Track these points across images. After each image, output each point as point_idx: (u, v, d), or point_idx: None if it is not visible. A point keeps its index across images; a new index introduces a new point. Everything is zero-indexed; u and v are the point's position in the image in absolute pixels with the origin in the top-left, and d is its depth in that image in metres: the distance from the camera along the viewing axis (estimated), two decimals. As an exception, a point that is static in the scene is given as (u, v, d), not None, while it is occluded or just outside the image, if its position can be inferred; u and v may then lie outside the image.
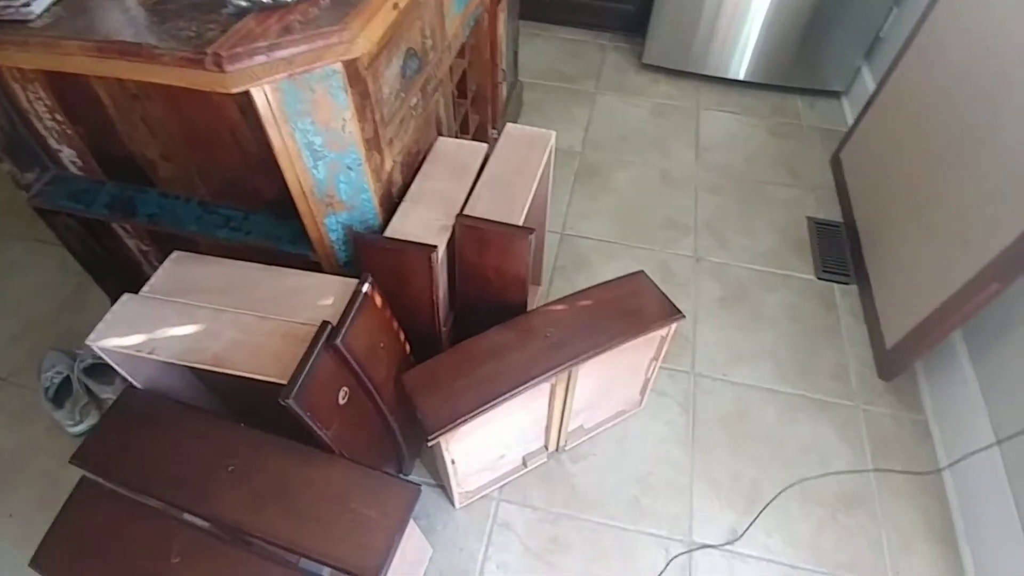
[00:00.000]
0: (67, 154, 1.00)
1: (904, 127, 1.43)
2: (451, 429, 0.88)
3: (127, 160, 0.98)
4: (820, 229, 1.65)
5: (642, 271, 1.08)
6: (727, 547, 1.13)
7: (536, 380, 0.93)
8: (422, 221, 0.97)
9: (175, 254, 0.98)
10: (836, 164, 1.77)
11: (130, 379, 0.93)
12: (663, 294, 1.05)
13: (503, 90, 1.51)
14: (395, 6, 0.77)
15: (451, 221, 0.97)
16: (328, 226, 0.92)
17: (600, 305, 1.02)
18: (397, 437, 1.05)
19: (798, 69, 1.97)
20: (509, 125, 1.13)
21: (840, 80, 1.99)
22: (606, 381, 1.13)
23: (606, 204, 1.71)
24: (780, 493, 1.19)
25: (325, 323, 0.81)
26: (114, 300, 0.90)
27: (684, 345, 1.41)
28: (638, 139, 1.89)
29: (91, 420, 1.23)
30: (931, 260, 1.22)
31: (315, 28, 0.68)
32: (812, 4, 1.80)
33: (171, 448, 0.88)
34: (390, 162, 0.92)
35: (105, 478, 0.86)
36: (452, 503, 1.15)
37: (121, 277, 1.20)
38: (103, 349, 0.86)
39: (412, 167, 1.04)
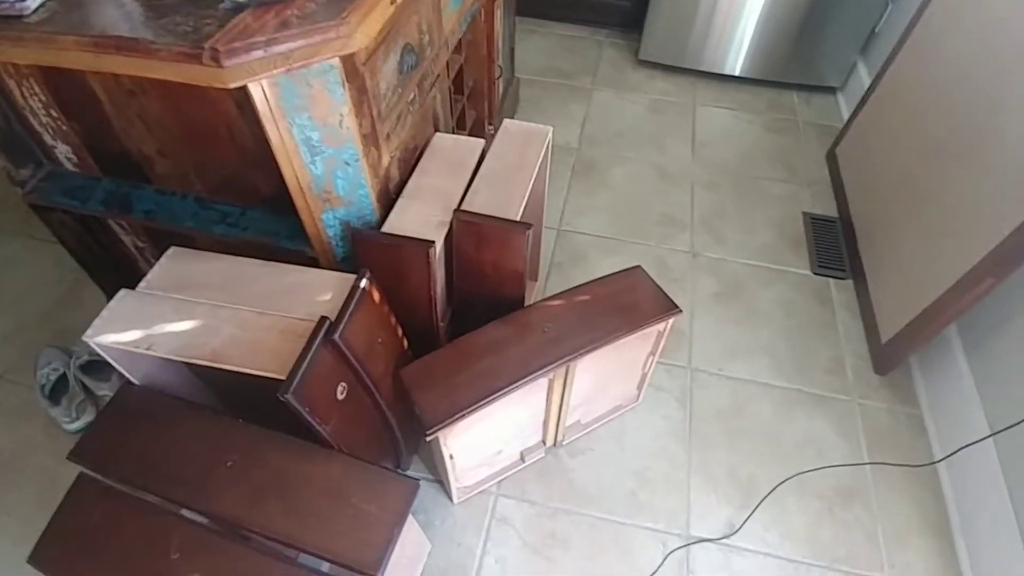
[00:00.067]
0: (62, 150, 1.00)
1: (900, 123, 1.44)
2: (449, 424, 0.89)
3: (123, 156, 0.98)
4: (816, 224, 1.65)
5: (639, 266, 1.08)
6: (724, 541, 1.13)
7: (534, 375, 0.93)
8: (420, 217, 0.97)
9: (172, 250, 0.98)
10: (832, 160, 1.78)
11: (127, 375, 0.93)
12: (660, 289, 1.05)
13: (500, 86, 1.51)
14: (392, 1, 0.77)
15: (449, 217, 0.97)
16: (326, 222, 0.91)
17: (597, 300, 1.03)
18: (395, 432, 1.05)
19: (794, 65, 1.98)
20: (506, 120, 1.13)
21: (836, 76, 2.00)
22: (603, 376, 1.13)
23: (603, 200, 1.71)
24: (777, 487, 1.20)
25: (323, 318, 0.81)
26: (110, 297, 0.90)
27: (681, 340, 1.41)
28: (634, 135, 1.90)
29: (88, 417, 1.22)
30: (926, 255, 1.23)
31: (312, 23, 0.68)
32: (807, 0, 1.81)
33: (169, 444, 0.88)
34: (387, 158, 0.92)
35: (103, 475, 0.86)
36: (450, 498, 1.15)
37: (117, 274, 1.19)
38: (100, 345, 0.85)
39: (409, 163, 1.04)
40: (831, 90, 2.06)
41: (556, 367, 0.95)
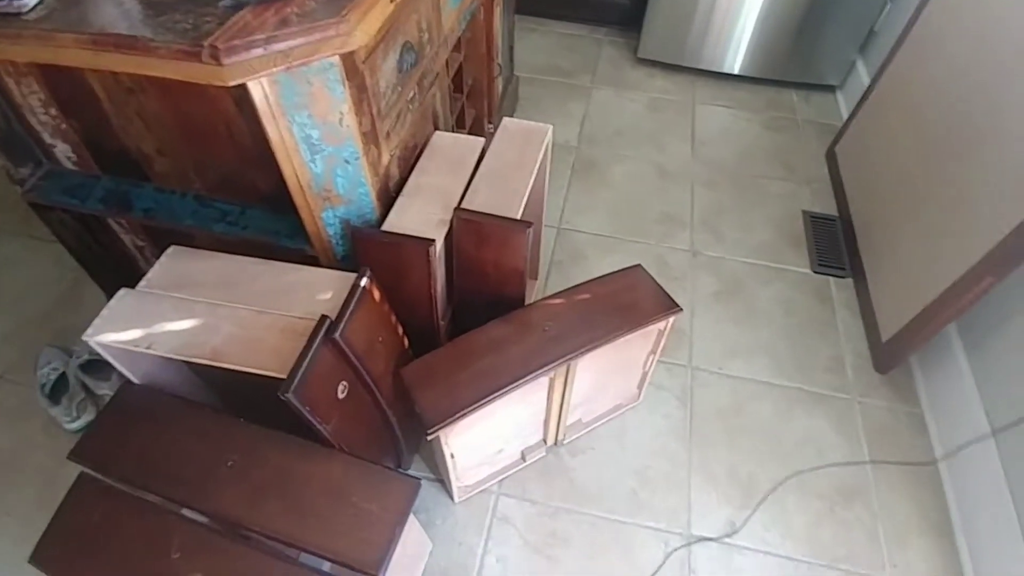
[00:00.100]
0: (61, 149, 0.99)
1: (899, 121, 1.44)
2: (450, 423, 0.89)
3: (122, 155, 0.97)
4: (815, 223, 1.65)
5: (639, 265, 1.08)
6: (725, 540, 1.13)
7: (535, 374, 0.93)
8: (420, 215, 0.96)
9: (172, 248, 0.98)
10: (831, 158, 1.78)
11: (127, 375, 0.92)
12: (660, 288, 1.05)
13: (499, 85, 1.51)
14: (392, -1, 0.77)
15: (449, 215, 0.97)
16: (326, 220, 0.91)
17: (598, 299, 1.02)
18: (396, 431, 1.05)
19: (793, 63, 1.97)
20: (506, 119, 1.13)
21: (835, 74, 2.00)
22: (604, 375, 1.13)
23: (602, 199, 1.71)
24: (777, 486, 1.19)
25: (324, 317, 0.81)
26: (110, 296, 0.90)
27: (681, 339, 1.41)
28: (634, 134, 1.89)
29: (88, 416, 1.22)
30: (926, 254, 1.23)
31: (312, 21, 0.68)
32: (807, -2, 1.81)
33: (170, 444, 0.87)
34: (387, 156, 0.92)
35: (104, 474, 0.86)
36: (451, 497, 1.15)
37: (117, 273, 1.19)
38: (100, 344, 0.85)
39: (409, 161, 1.04)
40: (830, 88, 2.06)
41: (557, 366, 0.95)
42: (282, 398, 0.74)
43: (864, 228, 1.53)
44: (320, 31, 0.68)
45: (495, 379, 0.92)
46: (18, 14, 0.68)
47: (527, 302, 1.05)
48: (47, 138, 0.98)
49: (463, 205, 0.98)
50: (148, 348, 0.84)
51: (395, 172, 0.99)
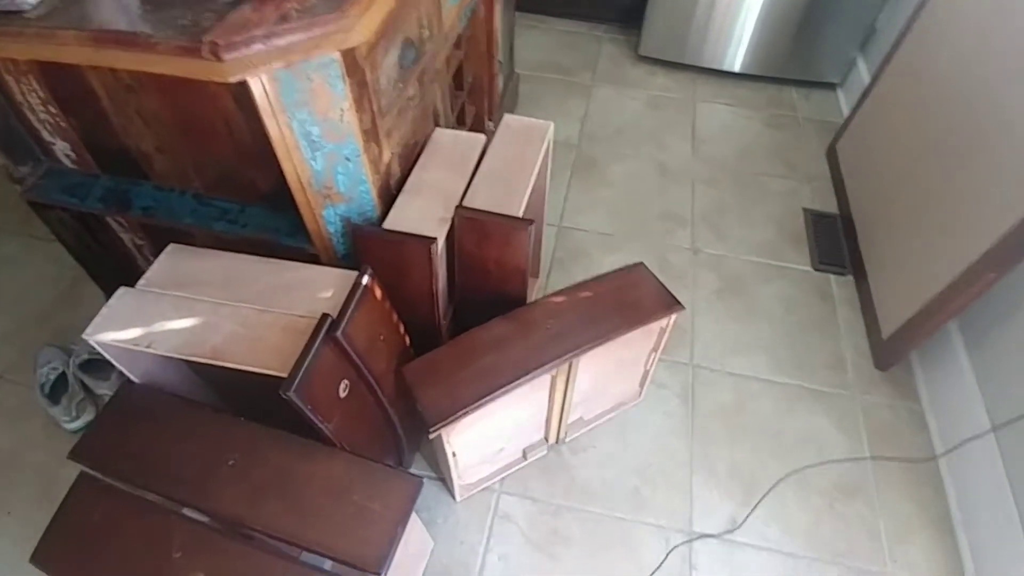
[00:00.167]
0: (61, 147, 0.99)
1: (899, 118, 1.44)
2: (452, 421, 0.88)
3: (121, 153, 0.97)
4: (816, 221, 1.65)
5: (642, 263, 1.08)
6: (727, 536, 1.13)
7: (537, 372, 0.93)
8: (421, 213, 0.96)
9: (171, 247, 0.97)
10: (832, 156, 1.78)
11: (127, 374, 0.92)
12: (662, 286, 1.05)
13: (499, 82, 1.50)
14: (393, -5, 0.77)
15: (450, 213, 0.96)
16: (326, 218, 0.91)
17: (600, 297, 1.02)
18: (397, 430, 1.05)
19: (793, 61, 1.97)
20: (507, 116, 1.13)
21: (835, 72, 1.99)
22: (606, 373, 1.13)
23: (603, 197, 1.70)
24: (778, 483, 1.19)
25: (325, 315, 0.81)
26: (109, 295, 0.89)
27: (682, 337, 1.41)
28: (635, 132, 1.89)
29: (88, 416, 1.22)
30: (926, 250, 1.23)
31: (312, 16, 0.67)
32: (808, -5, 1.80)
33: (170, 443, 0.87)
34: (388, 153, 0.92)
35: (104, 474, 0.85)
36: (453, 496, 1.15)
37: (116, 272, 1.18)
38: (100, 343, 0.85)
39: (410, 159, 1.03)
40: (831, 86, 2.05)
41: (559, 364, 0.95)
42: (283, 397, 0.74)
43: (865, 225, 1.52)
44: (320, 26, 0.67)
45: (497, 377, 0.92)
46: (19, 12, 0.68)
47: (529, 300, 1.05)
48: (46, 136, 0.97)
49: (464, 203, 0.98)
50: (148, 347, 0.83)
51: (396, 170, 0.99)
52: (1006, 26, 1.12)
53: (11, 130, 0.95)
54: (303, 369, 0.75)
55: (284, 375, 0.75)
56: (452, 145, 1.07)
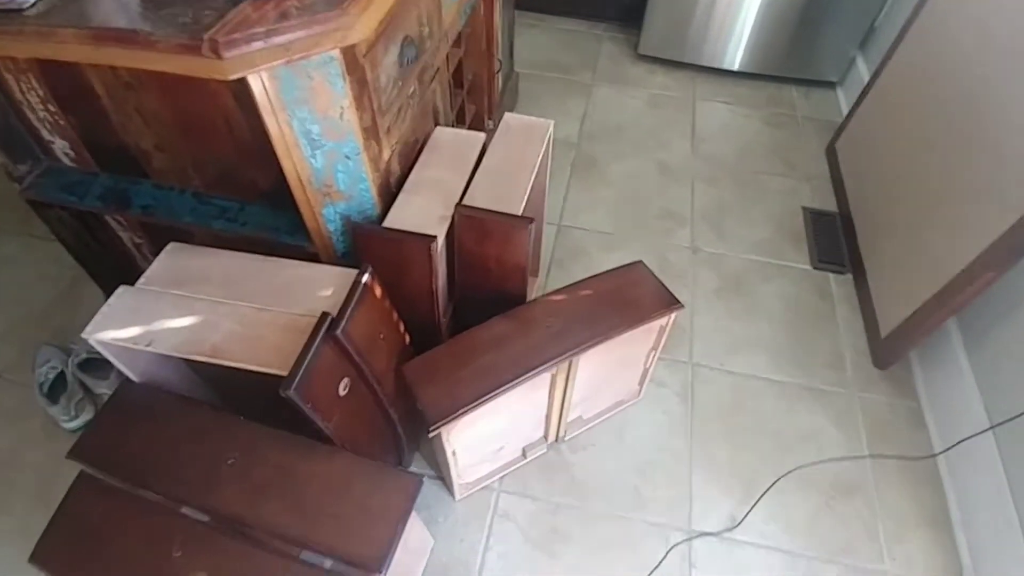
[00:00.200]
0: (60, 145, 0.99)
1: (899, 117, 1.44)
2: (452, 420, 0.88)
3: (121, 151, 0.97)
4: (816, 219, 1.65)
5: (640, 261, 1.08)
6: (726, 534, 1.14)
7: (537, 370, 0.93)
8: (421, 211, 0.96)
9: (171, 245, 0.97)
10: (831, 154, 1.78)
11: (127, 372, 0.92)
12: (662, 284, 1.05)
13: (499, 80, 1.50)
14: (393, -7, 0.77)
15: (450, 211, 0.96)
16: (326, 216, 0.91)
17: (600, 295, 1.02)
18: (397, 429, 1.05)
19: (793, 59, 1.97)
20: (507, 114, 1.13)
21: (835, 70, 2.00)
22: (605, 371, 1.13)
23: (603, 196, 1.70)
24: (777, 480, 1.20)
25: (325, 314, 0.80)
26: (108, 294, 0.89)
27: (682, 335, 1.41)
28: (634, 130, 1.89)
29: (87, 415, 1.22)
30: (926, 249, 1.23)
31: (312, 14, 0.67)
32: (807, -6, 1.80)
33: (170, 442, 0.87)
34: (388, 151, 0.91)
35: (104, 473, 0.85)
36: (452, 495, 1.15)
37: (115, 271, 1.18)
38: (100, 342, 0.85)
39: (410, 157, 1.03)
40: (830, 85, 2.06)
41: (559, 362, 0.95)
42: (284, 395, 0.74)
43: (864, 224, 1.53)
44: (320, 24, 0.67)
45: (497, 376, 0.92)
46: (19, 10, 0.68)
47: (528, 299, 1.05)
48: (46, 135, 0.97)
49: (465, 201, 0.98)
50: (148, 346, 0.83)
51: (396, 168, 0.99)
52: (1006, 25, 1.12)
53: (10, 128, 0.95)
54: (303, 368, 0.75)
55: (284, 374, 0.75)
56: (452, 143, 1.07)
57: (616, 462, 1.22)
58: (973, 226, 1.09)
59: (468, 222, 0.97)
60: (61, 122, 0.95)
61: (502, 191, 0.99)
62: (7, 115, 0.94)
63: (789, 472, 1.21)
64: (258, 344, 0.82)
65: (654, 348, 1.14)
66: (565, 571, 1.09)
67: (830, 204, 1.70)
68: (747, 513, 1.16)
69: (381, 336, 0.92)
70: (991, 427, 1.09)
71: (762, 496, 1.18)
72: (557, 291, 1.02)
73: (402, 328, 0.99)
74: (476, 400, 0.89)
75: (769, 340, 1.41)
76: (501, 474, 1.19)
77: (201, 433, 0.88)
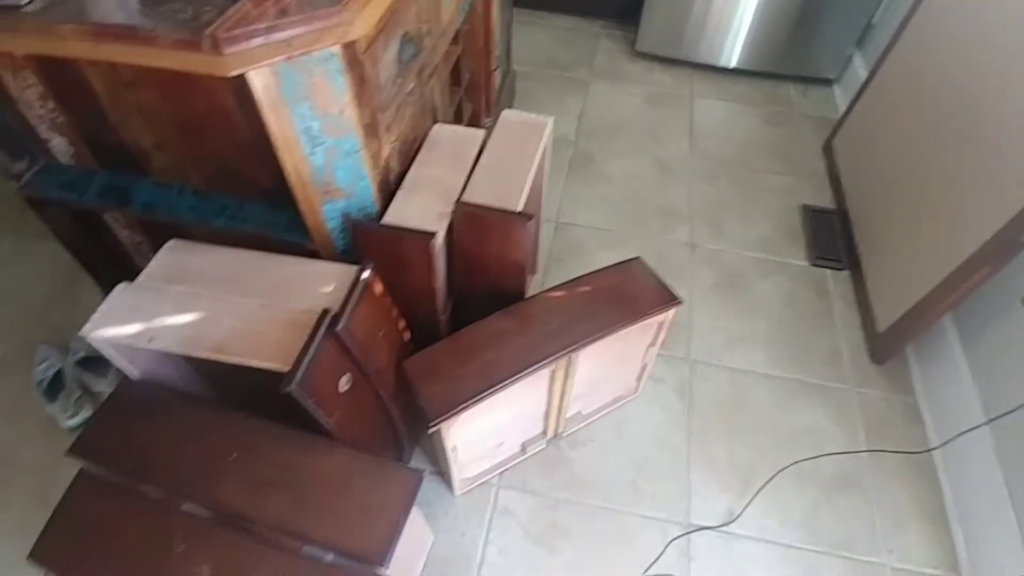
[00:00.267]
0: (58, 143, 0.99)
1: (896, 114, 1.44)
2: (452, 416, 0.89)
3: (120, 149, 0.97)
4: (813, 216, 1.66)
5: (639, 258, 1.09)
6: (724, 528, 1.14)
7: (536, 366, 0.93)
8: (420, 208, 0.96)
9: (171, 242, 0.97)
10: (828, 151, 1.78)
11: (126, 370, 0.92)
12: (660, 281, 1.05)
13: (497, 78, 1.50)
14: (392, -11, 0.77)
15: (449, 208, 0.97)
16: (326, 214, 0.91)
17: (598, 292, 1.03)
18: (397, 424, 1.05)
19: (790, 57, 1.98)
20: (506, 111, 1.13)
21: (832, 68, 2.00)
22: (604, 367, 1.14)
23: (601, 193, 1.71)
24: (775, 475, 1.20)
25: (326, 310, 0.81)
26: (106, 292, 0.89)
27: (680, 332, 1.42)
28: (632, 128, 1.89)
29: (85, 413, 1.22)
30: (922, 245, 1.24)
31: (312, 10, 0.67)
32: (804, -9, 1.81)
33: (171, 439, 0.87)
34: (387, 149, 0.92)
35: (103, 469, 0.85)
36: (452, 490, 1.16)
37: (113, 269, 1.18)
38: (99, 339, 0.85)
39: (409, 154, 1.04)
40: (827, 82, 2.06)
41: (558, 358, 0.95)
42: (285, 391, 0.74)
43: (861, 221, 1.53)
44: (321, 20, 0.67)
45: (496, 372, 0.92)
46: (17, 6, 0.68)
47: (527, 295, 1.06)
48: (44, 132, 0.97)
49: (464, 198, 0.98)
50: (149, 343, 0.83)
51: (395, 165, 0.99)
52: (1003, 22, 1.12)
53: (8, 126, 0.95)
54: (305, 364, 0.75)
55: (286, 370, 0.76)
56: (451, 140, 1.07)
57: (615, 457, 1.22)
58: (970, 222, 1.10)
59: (467, 219, 0.97)
60: (59, 119, 0.94)
61: (501, 188, 1.00)
62: (5, 112, 0.94)
63: (787, 467, 1.22)
64: (260, 340, 0.82)
65: (652, 344, 1.15)
66: (565, 565, 1.09)
67: (827, 201, 1.70)
68: (745, 507, 1.17)
69: (381, 333, 0.92)
70: (987, 422, 1.10)
71: (760, 490, 1.18)
72: (556, 287, 1.03)
73: (402, 324, 0.99)
74: (476, 396, 0.90)
75: (767, 336, 1.42)
76: (501, 469, 1.19)
77: (202, 430, 0.88)
